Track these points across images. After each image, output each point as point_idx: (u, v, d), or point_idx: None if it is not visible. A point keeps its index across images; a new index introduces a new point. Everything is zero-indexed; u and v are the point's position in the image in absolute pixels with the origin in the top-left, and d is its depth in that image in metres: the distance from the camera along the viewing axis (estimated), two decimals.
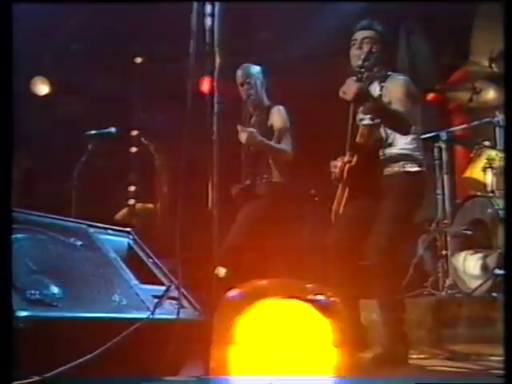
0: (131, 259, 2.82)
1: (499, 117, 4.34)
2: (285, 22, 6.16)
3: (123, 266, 2.66)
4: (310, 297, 1.49)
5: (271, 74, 4.62)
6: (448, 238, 4.47)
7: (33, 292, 2.20)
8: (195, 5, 2.22)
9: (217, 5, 2.33)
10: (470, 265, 4.30)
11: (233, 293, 1.60)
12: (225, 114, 4.51)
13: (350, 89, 3.32)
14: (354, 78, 3.38)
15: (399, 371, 3.23)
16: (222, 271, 4.26)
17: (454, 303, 4.22)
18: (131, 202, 7.14)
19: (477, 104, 4.82)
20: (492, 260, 4.17)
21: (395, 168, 3.54)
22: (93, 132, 4.77)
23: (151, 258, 2.90)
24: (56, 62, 6.88)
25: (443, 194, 4.62)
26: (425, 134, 4.66)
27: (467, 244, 4.38)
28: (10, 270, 1.52)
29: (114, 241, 2.80)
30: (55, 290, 2.30)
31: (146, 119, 7.25)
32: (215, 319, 1.53)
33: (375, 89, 3.59)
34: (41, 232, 2.51)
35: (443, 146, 4.63)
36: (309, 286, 1.57)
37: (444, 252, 4.52)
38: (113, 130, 4.80)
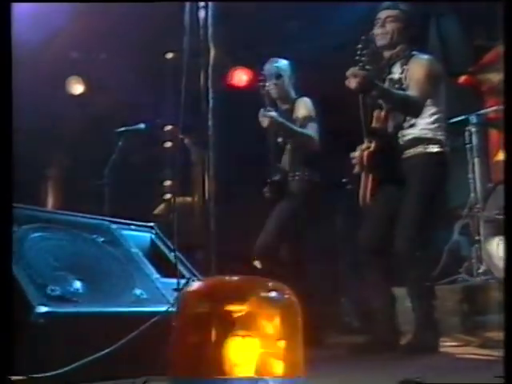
0: (153, 253, 2.87)
1: None
2: (311, 11, 6.12)
3: (145, 260, 2.71)
4: (265, 293, 1.49)
5: (299, 65, 4.61)
6: (481, 223, 4.39)
7: (54, 288, 2.26)
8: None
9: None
10: (503, 250, 4.21)
11: (192, 288, 1.62)
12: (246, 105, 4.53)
13: (355, 77, 3.29)
14: (357, 67, 3.33)
15: (429, 358, 3.20)
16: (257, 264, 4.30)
17: (488, 289, 4.14)
18: (168, 196, 7.21)
19: None
20: None
21: (417, 149, 3.48)
22: (123, 129, 4.83)
23: (173, 251, 2.93)
24: (89, 60, 6.99)
25: (474, 178, 4.53)
26: (457, 116, 4.59)
27: (500, 229, 4.30)
28: (11, 267, 1.56)
29: (137, 236, 2.85)
30: (76, 285, 2.36)
31: (179, 114, 7.30)
32: (175, 315, 1.55)
33: (397, 70, 3.55)
34: (63, 229, 2.58)
35: (473, 129, 4.54)
36: (268, 283, 1.57)
37: (477, 237, 4.44)
38: (142, 125, 4.86)
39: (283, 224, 4.22)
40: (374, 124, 3.51)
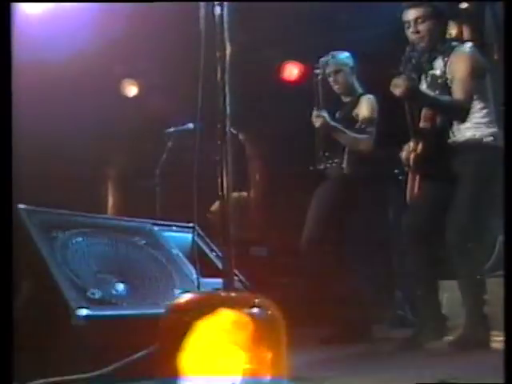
0: (196, 253, 2.90)
1: None
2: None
3: (185, 261, 2.76)
4: (247, 309, 1.51)
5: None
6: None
7: (94, 291, 2.34)
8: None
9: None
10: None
11: (179, 300, 1.65)
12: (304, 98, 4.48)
13: (397, 87, 3.21)
14: (403, 75, 3.25)
15: (479, 354, 3.15)
16: None
17: None
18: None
19: None
20: None
21: (469, 144, 3.39)
22: (171, 129, 4.90)
23: (214, 251, 2.98)
24: (143, 62, 7.12)
25: None
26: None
27: None
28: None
29: (178, 237, 2.91)
30: (117, 288, 2.43)
31: (232, 109, 7.35)
32: (161, 325, 1.59)
33: (439, 64, 3.48)
34: (105, 233, 2.66)
35: None
36: (252, 298, 1.58)
37: None
38: (191, 125, 4.90)
39: (327, 215, 4.18)
40: (422, 123, 3.42)
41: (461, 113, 3.34)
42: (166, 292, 2.55)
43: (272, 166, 7.84)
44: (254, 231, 7.38)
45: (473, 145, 3.40)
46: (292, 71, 6.85)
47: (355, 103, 4.28)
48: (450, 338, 3.46)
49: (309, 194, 4.46)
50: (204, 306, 1.49)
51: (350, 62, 4.37)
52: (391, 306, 5.09)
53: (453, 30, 6.16)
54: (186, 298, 1.66)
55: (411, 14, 3.40)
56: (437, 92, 3.43)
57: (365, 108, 4.22)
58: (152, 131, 6.27)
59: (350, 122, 4.20)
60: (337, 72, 4.31)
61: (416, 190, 3.52)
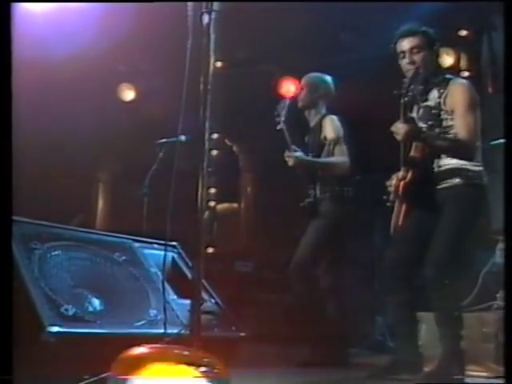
0: (174, 273, 2.91)
1: None
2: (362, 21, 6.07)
3: (164, 280, 2.75)
4: (195, 368, 1.51)
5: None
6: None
7: (68, 307, 2.33)
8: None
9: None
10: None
11: (126, 355, 1.66)
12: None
13: (399, 131, 3.24)
14: (402, 120, 3.26)
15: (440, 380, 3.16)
16: None
17: None
18: (212, 204, 7.30)
19: None
20: None
21: (454, 180, 3.37)
22: (163, 140, 4.89)
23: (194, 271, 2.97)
24: (139, 68, 7.13)
25: None
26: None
27: None
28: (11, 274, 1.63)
29: (158, 255, 2.90)
30: (92, 305, 2.43)
31: (227, 122, 7.37)
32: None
33: (433, 96, 3.43)
34: (85, 247, 2.65)
35: None
36: (200, 357, 1.59)
37: None
38: (183, 137, 4.87)
39: (318, 242, 4.23)
40: (413, 153, 3.40)
41: (469, 151, 3.34)
42: (142, 311, 2.54)
43: (264, 180, 7.85)
44: (241, 244, 7.38)
45: (456, 184, 3.37)
46: (289, 87, 6.87)
47: (320, 126, 4.35)
48: (424, 370, 3.47)
49: (298, 213, 4.48)
50: (152, 363, 1.49)
51: (327, 84, 4.45)
52: (371, 331, 5.11)
53: (450, 58, 6.21)
54: (137, 351, 1.67)
55: (406, 44, 3.36)
56: (429, 123, 3.44)
57: (329, 130, 4.29)
58: (146, 138, 6.27)
59: (320, 145, 4.27)
60: (311, 91, 4.38)
61: (401, 219, 3.52)
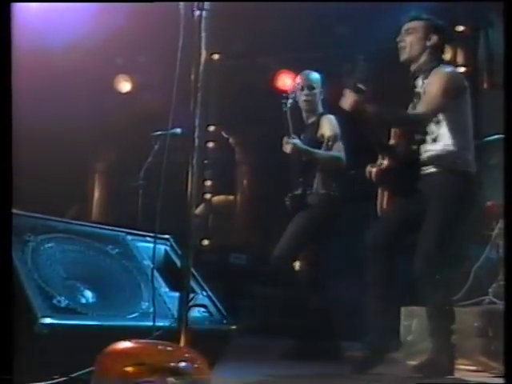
0: (166, 266, 2.93)
1: None
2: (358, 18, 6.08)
3: (156, 273, 2.78)
4: (175, 364, 1.54)
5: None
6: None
7: (61, 299, 2.35)
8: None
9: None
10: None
11: (107, 352, 1.69)
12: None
13: (346, 100, 3.19)
14: (351, 89, 3.20)
15: (440, 380, 3.19)
16: None
17: None
18: (208, 196, 7.32)
19: None
20: None
21: (439, 167, 3.32)
22: (158, 133, 4.90)
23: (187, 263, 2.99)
24: (137, 60, 7.14)
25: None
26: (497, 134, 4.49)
27: None
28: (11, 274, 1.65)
29: (152, 248, 2.92)
30: (84, 297, 2.45)
31: (224, 114, 7.39)
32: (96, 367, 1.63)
33: (419, 83, 3.42)
34: (78, 240, 2.67)
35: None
36: (183, 352, 1.62)
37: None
38: (178, 130, 4.87)
39: (300, 236, 4.25)
40: (391, 140, 3.40)
41: (416, 123, 3.32)
42: (134, 304, 2.57)
43: (260, 173, 7.87)
44: (236, 237, 7.41)
45: (441, 169, 3.33)
46: (285, 81, 6.89)
47: (317, 124, 4.36)
48: (413, 362, 3.49)
49: (289, 211, 4.50)
50: (134, 358, 1.52)
51: (320, 82, 4.46)
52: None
53: (446, 53, 6.24)
54: (120, 346, 1.70)
55: (406, 25, 3.41)
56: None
57: (327, 127, 4.32)
58: (142, 129, 6.28)
59: (317, 143, 4.30)
60: (310, 89, 4.38)
61: (385, 205, 3.50)
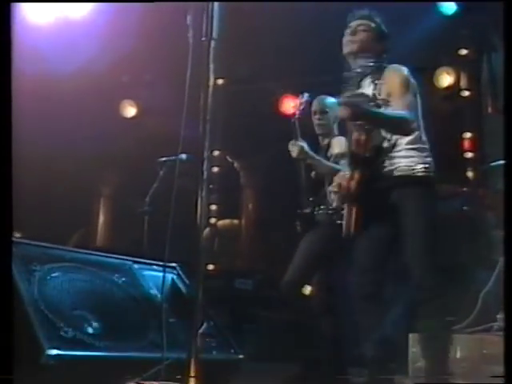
0: (174, 295, 2.91)
1: None
2: None
3: (163, 302, 2.76)
4: None
5: None
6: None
7: (68, 330, 2.33)
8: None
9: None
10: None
11: None
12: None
13: (343, 110, 3.06)
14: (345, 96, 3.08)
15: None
16: None
17: None
18: (213, 220, 7.30)
19: None
20: None
21: (404, 173, 3.14)
22: (164, 159, 4.90)
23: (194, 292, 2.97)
24: (143, 85, 7.17)
25: None
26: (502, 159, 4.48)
27: None
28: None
29: (158, 277, 2.90)
30: (91, 327, 2.43)
31: (228, 139, 7.40)
32: None
33: (367, 84, 3.23)
34: (85, 269, 2.66)
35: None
36: None
37: None
38: (183, 156, 4.88)
39: (311, 260, 4.19)
40: (354, 149, 3.22)
41: (406, 124, 3.10)
42: (141, 334, 2.55)
43: (265, 198, 7.86)
44: (241, 262, 7.39)
45: (407, 176, 3.16)
46: (290, 105, 6.90)
47: (328, 145, 4.36)
48: None
49: (299, 231, 4.47)
50: None
51: (334, 107, 4.43)
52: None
53: (450, 77, 6.25)
54: None
55: (356, 22, 3.31)
56: None
57: (336, 147, 4.29)
58: (148, 155, 6.29)
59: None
60: (322, 113, 4.37)
61: (353, 224, 3.21)
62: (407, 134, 3.14)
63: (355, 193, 3.18)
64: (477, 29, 6.13)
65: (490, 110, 5.83)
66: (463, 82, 6.28)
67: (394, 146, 3.19)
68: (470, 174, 6.01)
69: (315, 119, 4.39)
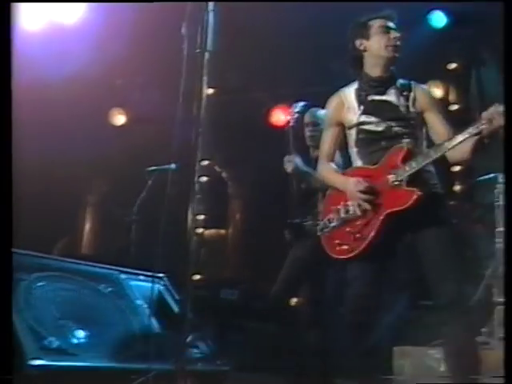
0: (160, 306, 2.90)
1: None
2: None
3: (149, 313, 2.75)
4: None
5: None
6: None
7: (52, 340, 2.32)
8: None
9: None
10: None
11: None
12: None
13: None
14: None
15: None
16: None
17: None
18: (199, 230, 7.27)
19: None
20: None
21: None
22: (153, 168, 4.89)
23: (181, 303, 2.97)
24: (131, 93, 7.16)
25: (500, 236, 4.42)
26: (490, 173, 4.51)
27: None
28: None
29: (145, 287, 2.89)
30: (77, 337, 2.42)
31: (217, 148, 7.39)
32: None
33: (394, 93, 2.97)
34: (71, 278, 2.65)
35: (501, 189, 4.44)
36: None
37: (499, 299, 4.33)
38: (173, 166, 4.87)
39: (298, 273, 4.20)
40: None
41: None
42: (126, 345, 2.53)
43: (253, 208, 7.85)
44: (227, 272, 7.36)
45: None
46: (280, 117, 6.91)
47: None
48: None
49: (288, 241, 4.47)
50: None
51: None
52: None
53: (439, 91, 6.28)
54: None
55: (394, 25, 2.98)
56: (390, 123, 2.93)
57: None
58: (136, 163, 6.28)
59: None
60: (315, 126, 4.39)
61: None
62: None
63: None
64: (465, 43, 6.16)
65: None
66: (452, 96, 6.31)
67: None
68: (457, 187, 6.03)
69: (307, 131, 4.40)
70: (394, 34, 2.99)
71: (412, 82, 3.04)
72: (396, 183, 2.78)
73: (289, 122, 4.28)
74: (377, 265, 2.94)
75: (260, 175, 7.14)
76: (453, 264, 2.84)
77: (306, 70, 6.52)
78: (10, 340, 1.83)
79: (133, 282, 2.86)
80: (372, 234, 2.77)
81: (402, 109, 2.97)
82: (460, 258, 2.95)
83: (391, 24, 3.03)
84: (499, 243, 4.43)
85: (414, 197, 2.71)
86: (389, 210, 2.76)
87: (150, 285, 2.92)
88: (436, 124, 2.96)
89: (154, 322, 2.74)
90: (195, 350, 2.67)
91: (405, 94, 3.00)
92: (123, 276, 2.84)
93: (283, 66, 6.54)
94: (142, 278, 2.91)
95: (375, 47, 2.96)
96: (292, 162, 4.14)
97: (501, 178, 4.42)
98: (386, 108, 2.97)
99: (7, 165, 2.03)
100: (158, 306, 2.89)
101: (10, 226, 1.91)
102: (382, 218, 2.77)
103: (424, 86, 3.13)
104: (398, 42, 2.97)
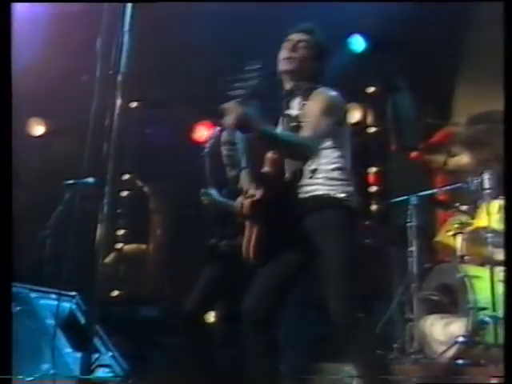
0: (71, 325, 2.85)
1: (472, 182, 4.32)
2: None
3: (59, 333, 2.69)
4: None
5: None
6: (415, 302, 4.44)
7: None
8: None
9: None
10: (436, 330, 4.26)
11: None
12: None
13: (230, 115, 2.65)
14: (235, 101, 2.68)
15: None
16: None
17: (420, 369, 4.16)
18: (119, 245, 7.19)
19: (454, 167, 4.83)
20: (457, 326, 4.13)
21: (322, 201, 2.92)
22: (70, 182, 4.79)
23: (92, 323, 2.91)
24: (50, 102, 7.02)
25: (412, 256, 4.59)
26: (406, 193, 4.68)
27: (434, 309, 4.35)
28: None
29: (55, 306, 2.83)
30: None
31: (139, 163, 7.33)
32: None
33: (296, 105, 3.05)
34: None
35: (415, 209, 4.62)
36: None
37: (411, 316, 4.49)
38: (90, 180, 4.79)
39: (212, 287, 4.23)
40: (266, 168, 3.05)
41: (304, 150, 2.86)
42: (34, 365, 2.47)
43: (174, 223, 7.82)
44: (147, 288, 7.29)
45: (326, 203, 2.93)
46: (203, 132, 6.94)
47: (238, 177, 4.39)
48: None
49: (204, 260, 4.48)
50: None
51: (244, 138, 4.46)
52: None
53: (357, 114, 6.47)
54: None
55: (297, 36, 3.04)
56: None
57: (245, 181, 4.31)
58: (53, 176, 6.14)
59: (238, 195, 4.30)
60: (231, 144, 4.41)
61: (252, 248, 2.99)
62: (303, 160, 2.91)
63: (254, 213, 2.95)
64: (383, 68, 6.39)
65: (393, 147, 6.08)
66: (370, 119, 6.52)
67: (314, 170, 2.97)
68: (373, 207, 6.22)
69: (224, 150, 4.42)
70: (290, 45, 3.01)
71: (317, 88, 3.02)
72: None
73: (205, 145, 4.27)
74: (278, 276, 2.94)
75: (182, 190, 7.12)
76: (349, 283, 2.84)
77: (227, 86, 6.59)
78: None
79: (43, 301, 2.80)
80: None
81: (294, 118, 3.00)
82: (357, 276, 2.90)
83: (298, 36, 3.05)
84: (410, 261, 4.61)
85: None
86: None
87: (61, 304, 2.87)
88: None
89: (65, 342, 2.69)
90: (107, 369, 2.62)
91: (303, 103, 3.01)
92: (33, 295, 2.77)
93: (207, 81, 6.56)
94: (53, 296, 2.84)
95: (279, 62, 3.06)
96: (207, 194, 4.17)
97: (415, 199, 4.60)
98: (289, 121, 3.02)
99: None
100: (69, 326, 2.83)
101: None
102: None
103: (324, 91, 3.02)
104: (293, 54, 3.01)
